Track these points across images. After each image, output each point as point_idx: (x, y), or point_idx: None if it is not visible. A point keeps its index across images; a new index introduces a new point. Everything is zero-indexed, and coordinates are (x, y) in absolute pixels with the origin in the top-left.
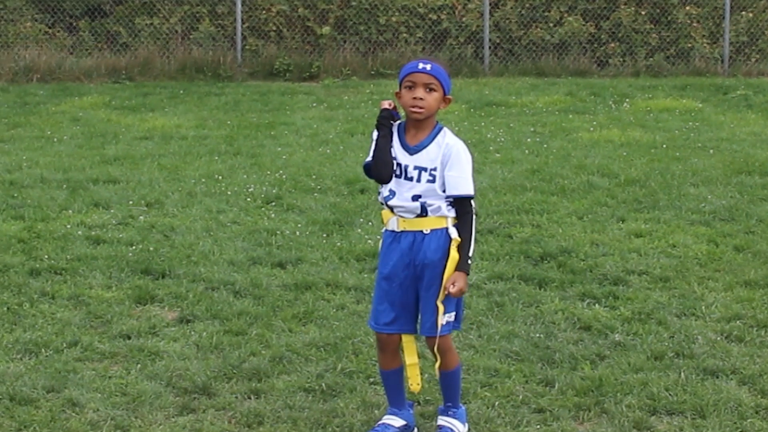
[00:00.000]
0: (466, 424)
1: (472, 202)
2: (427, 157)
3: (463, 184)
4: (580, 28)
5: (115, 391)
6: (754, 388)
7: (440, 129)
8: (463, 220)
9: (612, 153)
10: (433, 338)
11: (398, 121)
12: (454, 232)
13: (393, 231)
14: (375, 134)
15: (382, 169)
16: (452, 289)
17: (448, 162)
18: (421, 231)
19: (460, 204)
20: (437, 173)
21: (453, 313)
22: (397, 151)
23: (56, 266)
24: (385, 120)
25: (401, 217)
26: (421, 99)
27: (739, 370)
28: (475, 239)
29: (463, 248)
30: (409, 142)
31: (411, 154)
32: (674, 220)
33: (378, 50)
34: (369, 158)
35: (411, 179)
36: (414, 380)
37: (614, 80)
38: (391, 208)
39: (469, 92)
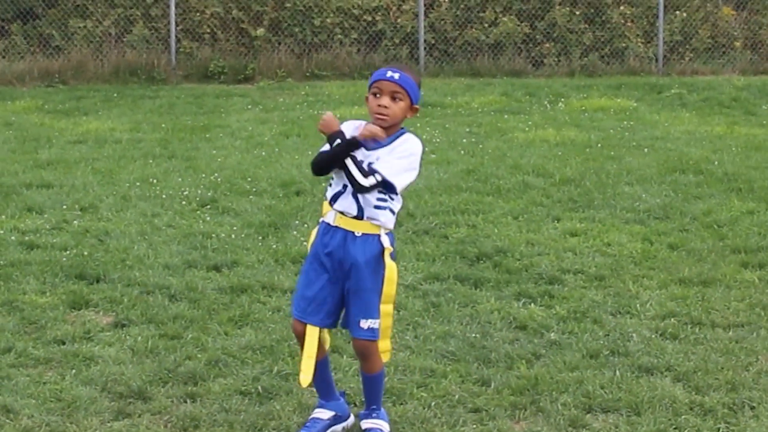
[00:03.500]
0: (388, 424)
1: (392, 196)
2: (383, 155)
3: (386, 172)
4: (515, 29)
5: (50, 397)
6: (689, 385)
7: (402, 133)
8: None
9: (547, 153)
10: (358, 339)
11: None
12: (386, 241)
13: (328, 224)
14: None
15: (316, 170)
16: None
17: (391, 152)
18: (353, 232)
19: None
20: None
21: (377, 321)
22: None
23: None
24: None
25: (340, 213)
26: (386, 107)
27: (673, 367)
28: (350, 176)
29: (358, 162)
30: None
31: (368, 149)
32: (609, 218)
33: (313, 52)
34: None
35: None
36: (306, 374)
37: (549, 80)
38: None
39: None
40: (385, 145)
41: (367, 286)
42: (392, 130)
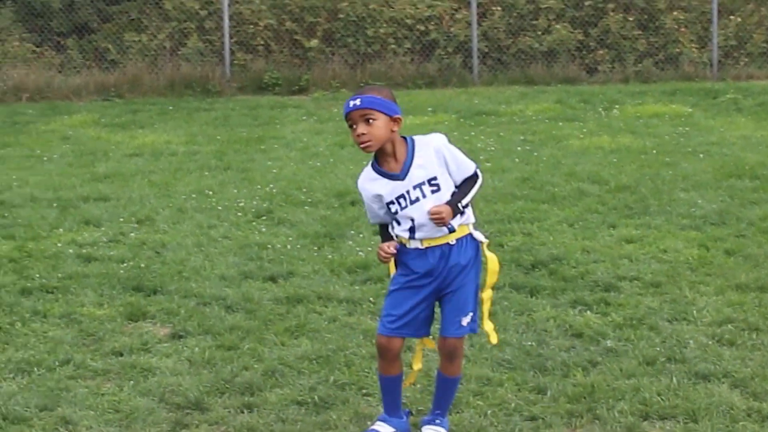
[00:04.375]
0: None
1: (477, 171)
2: (418, 172)
3: (465, 167)
4: (569, 36)
5: (108, 408)
6: (746, 391)
7: (413, 143)
8: (469, 180)
9: (602, 159)
10: (453, 338)
11: (370, 163)
12: (480, 236)
13: (417, 248)
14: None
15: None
16: (432, 209)
17: (446, 160)
18: (448, 243)
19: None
20: (439, 180)
21: (471, 314)
22: (391, 187)
23: (48, 285)
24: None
25: (425, 239)
26: (363, 134)
27: (730, 373)
28: (474, 195)
29: (461, 191)
30: (394, 170)
31: (403, 179)
32: (665, 225)
33: (367, 62)
34: (376, 223)
35: (417, 200)
36: (411, 378)
37: (603, 87)
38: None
39: (458, 102)
40: (411, 162)
41: (466, 283)
42: (398, 146)
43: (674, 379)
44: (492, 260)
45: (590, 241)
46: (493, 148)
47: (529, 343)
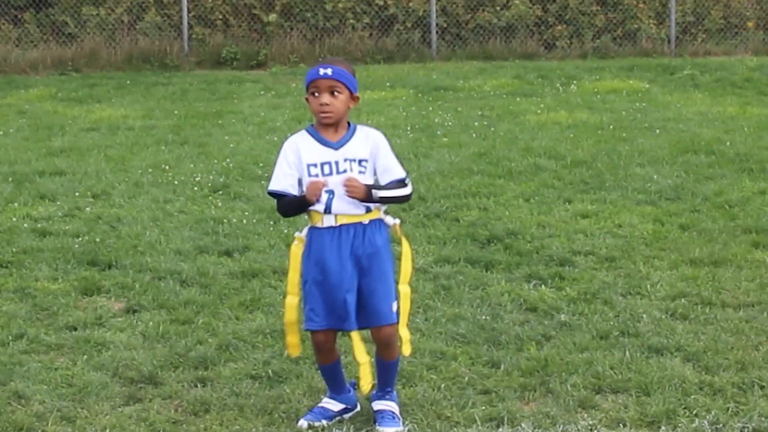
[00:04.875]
0: (398, 406)
1: (408, 180)
2: (353, 149)
3: (396, 169)
4: (527, 11)
5: (62, 383)
6: (698, 365)
7: (355, 127)
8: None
9: (559, 135)
10: (388, 326)
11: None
12: (390, 219)
13: (330, 227)
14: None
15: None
16: (350, 177)
17: (377, 154)
18: (361, 222)
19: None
20: (368, 165)
21: (396, 303)
22: (321, 152)
23: (2, 260)
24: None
25: (340, 214)
26: (327, 105)
27: (683, 347)
28: (398, 200)
29: (386, 185)
30: (330, 139)
31: (336, 149)
32: (620, 200)
33: (325, 37)
34: (278, 191)
35: (345, 171)
36: (366, 380)
37: (562, 62)
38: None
39: (416, 77)
40: (349, 139)
41: (388, 269)
42: (342, 124)
43: (627, 353)
44: (405, 244)
45: (546, 215)
46: (450, 123)
47: (484, 317)
